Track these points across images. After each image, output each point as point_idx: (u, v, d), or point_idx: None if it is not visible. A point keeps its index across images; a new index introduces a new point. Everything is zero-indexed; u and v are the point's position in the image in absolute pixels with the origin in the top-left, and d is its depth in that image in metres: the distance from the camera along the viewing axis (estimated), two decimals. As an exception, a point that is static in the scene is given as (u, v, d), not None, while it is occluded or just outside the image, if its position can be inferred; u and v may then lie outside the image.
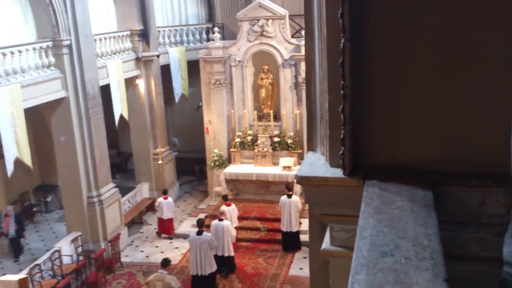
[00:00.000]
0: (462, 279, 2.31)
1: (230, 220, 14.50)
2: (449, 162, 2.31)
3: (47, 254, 13.86)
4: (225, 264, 13.66)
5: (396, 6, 2.18)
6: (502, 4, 2.08)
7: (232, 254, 13.94)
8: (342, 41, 2.22)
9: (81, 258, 14.47)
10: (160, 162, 17.91)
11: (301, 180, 2.51)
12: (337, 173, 2.46)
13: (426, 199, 2.09)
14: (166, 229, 16.51)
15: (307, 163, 2.66)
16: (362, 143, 2.40)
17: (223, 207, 14.81)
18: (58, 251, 13.94)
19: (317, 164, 2.63)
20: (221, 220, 13.55)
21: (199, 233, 12.79)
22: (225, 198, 15.53)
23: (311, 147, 2.91)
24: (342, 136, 2.35)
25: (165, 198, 16.37)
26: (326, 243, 2.66)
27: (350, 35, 2.21)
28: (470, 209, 2.30)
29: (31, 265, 13.07)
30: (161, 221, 16.48)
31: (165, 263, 11.86)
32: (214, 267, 12.96)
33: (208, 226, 14.20)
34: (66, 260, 14.13)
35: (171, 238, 16.51)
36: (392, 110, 2.33)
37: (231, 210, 14.97)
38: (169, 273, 11.87)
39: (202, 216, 15.06)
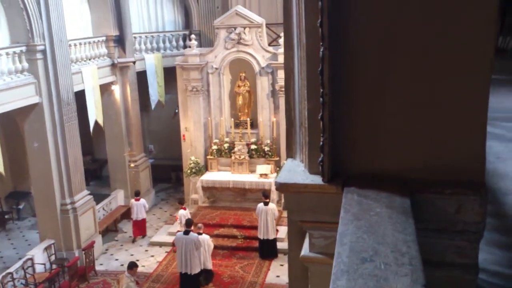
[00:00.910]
0: (439, 285, 2.35)
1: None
2: (426, 170, 2.35)
3: (20, 262, 13.58)
4: (205, 274, 13.61)
5: (375, 14, 2.21)
6: (482, 13, 2.13)
7: (211, 267, 13.97)
8: (322, 50, 2.25)
9: (54, 266, 14.20)
10: (132, 165, 17.79)
11: (281, 186, 2.52)
12: (316, 180, 2.48)
13: (404, 206, 2.12)
14: (139, 230, 16.78)
15: (286, 170, 2.68)
16: (341, 150, 2.43)
17: (180, 211, 15.25)
18: (31, 259, 13.68)
19: (296, 171, 2.65)
20: (200, 234, 13.46)
21: (186, 232, 12.97)
22: (180, 202, 16.01)
23: (290, 154, 2.93)
24: (321, 143, 2.37)
25: (137, 200, 16.68)
26: (305, 250, 2.67)
27: (329, 44, 2.23)
28: (446, 217, 2.33)
29: (3, 273, 12.81)
30: (134, 223, 16.76)
31: (129, 266, 11.97)
32: (199, 268, 13.17)
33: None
34: (39, 268, 13.86)
35: (143, 237, 16.75)
36: (371, 118, 2.36)
37: (186, 215, 15.12)
38: (133, 277, 11.75)
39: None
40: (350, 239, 1.83)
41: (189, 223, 13.30)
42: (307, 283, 2.82)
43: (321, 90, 2.30)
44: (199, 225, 14.06)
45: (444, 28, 2.16)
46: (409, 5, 2.17)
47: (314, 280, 2.69)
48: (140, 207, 16.61)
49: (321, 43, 2.23)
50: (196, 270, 13.01)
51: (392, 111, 2.34)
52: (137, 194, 16.87)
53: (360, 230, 1.89)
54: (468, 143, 2.31)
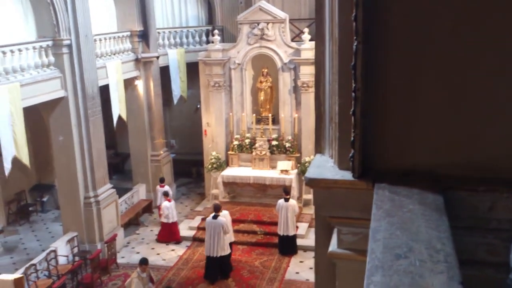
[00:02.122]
0: (470, 284, 2.31)
1: (171, 215, 15.86)
2: (459, 166, 2.32)
3: (43, 254, 13.78)
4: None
5: (410, 9, 2.19)
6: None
7: (234, 238, 14.46)
8: (355, 44, 2.23)
9: (77, 258, 14.38)
10: (161, 152, 18.38)
11: (310, 182, 2.52)
12: (346, 175, 2.47)
13: (437, 203, 2.09)
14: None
15: (316, 165, 2.67)
16: (372, 146, 2.41)
17: (164, 203, 15.92)
18: (54, 251, 13.87)
19: (326, 166, 2.64)
20: (215, 217, 13.68)
21: (215, 217, 13.43)
22: (166, 194, 16.39)
23: (319, 150, 2.92)
24: (352, 139, 2.36)
25: (162, 186, 17.31)
26: (333, 246, 2.66)
27: (363, 38, 2.21)
28: (479, 214, 2.30)
29: (27, 265, 13.00)
30: (160, 208, 17.36)
31: (140, 261, 12.03)
32: (228, 251, 13.68)
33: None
34: (62, 260, 14.05)
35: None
36: (403, 113, 2.34)
37: (170, 207, 15.87)
38: (144, 274, 11.75)
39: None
40: (384, 235, 1.82)
41: (216, 208, 13.67)
42: (334, 279, 2.81)
43: (354, 85, 2.28)
44: (217, 202, 14.67)
45: (480, 19, 2.13)
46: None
47: (342, 276, 2.68)
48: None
49: (354, 37, 2.21)
50: (223, 253, 13.50)
51: (425, 107, 2.31)
52: (162, 181, 17.51)
53: (393, 226, 1.88)
54: (502, 140, 2.27)
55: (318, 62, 2.87)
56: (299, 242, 15.11)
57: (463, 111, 2.27)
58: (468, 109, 2.26)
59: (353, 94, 2.30)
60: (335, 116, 2.57)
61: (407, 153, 2.38)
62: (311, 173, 2.56)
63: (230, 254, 13.86)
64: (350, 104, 2.36)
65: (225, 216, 13.90)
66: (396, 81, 2.31)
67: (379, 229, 1.86)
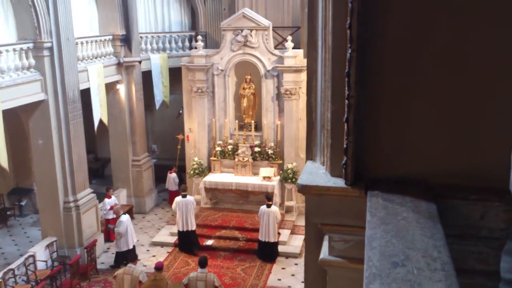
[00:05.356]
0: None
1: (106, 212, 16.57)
2: (451, 175, 2.33)
3: (21, 259, 13.54)
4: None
5: (405, 16, 2.20)
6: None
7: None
8: (349, 51, 2.23)
9: (56, 263, 14.18)
10: (140, 160, 18.51)
11: (303, 188, 2.50)
12: (338, 182, 2.47)
13: (430, 211, 2.10)
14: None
15: (307, 172, 2.66)
16: (365, 154, 2.41)
17: (106, 200, 16.50)
18: (33, 256, 13.64)
19: (317, 173, 2.63)
20: (184, 196, 15.20)
21: (184, 196, 15.22)
22: (107, 190, 17.00)
23: (310, 156, 2.91)
24: (345, 146, 2.36)
25: (171, 173, 19.08)
26: (324, 253, 2.65)
27: (357, 46, 2.22)
28: (470, 223, 2.32)
29: (5, 270, 12.76)
30: (169, 192, 19.40)
31: (133, 258, 12.47)
32: (195, 226, 15.41)
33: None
34: (40, 265, 13.83)
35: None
36: (396, 122, 2.35)
37: (108, 202, 16.44)
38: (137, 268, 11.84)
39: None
40: (380, 243, 1.81)
41: (184, 188, 15.66)
42: (323, 286, 2.80)
43: (347, 92, 2.29)
44: (116, 208, 15.40)
45: (478, 28, 2.14)
46: (443, 5, 2.15)
47: (333, 284, 2.67)
48: (170, 179, 19.13)
49: (349, 45, 2.21)
50: (192, 227, 15.28)
51: (418, 115, 2.32)
52: (171, 168, 19.32)
53: (389, 234, 1.88)
54: (494, 149, 2.29)
55: (310, 69, 2.87)
56: (281, 248, 15.12)
57: (456, 121, 2.28)
58: (461, 119, 2.28)
59: (346, 101, 2.30)
60: (327, 123, 2.57)
61: (399, 161, 2.38)
62: (303, 179, 2.55)
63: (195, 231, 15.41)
64: (343, 111, 2.36)
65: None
66: (389, 88, 2.32)
67: (374, 236, 1.86)
